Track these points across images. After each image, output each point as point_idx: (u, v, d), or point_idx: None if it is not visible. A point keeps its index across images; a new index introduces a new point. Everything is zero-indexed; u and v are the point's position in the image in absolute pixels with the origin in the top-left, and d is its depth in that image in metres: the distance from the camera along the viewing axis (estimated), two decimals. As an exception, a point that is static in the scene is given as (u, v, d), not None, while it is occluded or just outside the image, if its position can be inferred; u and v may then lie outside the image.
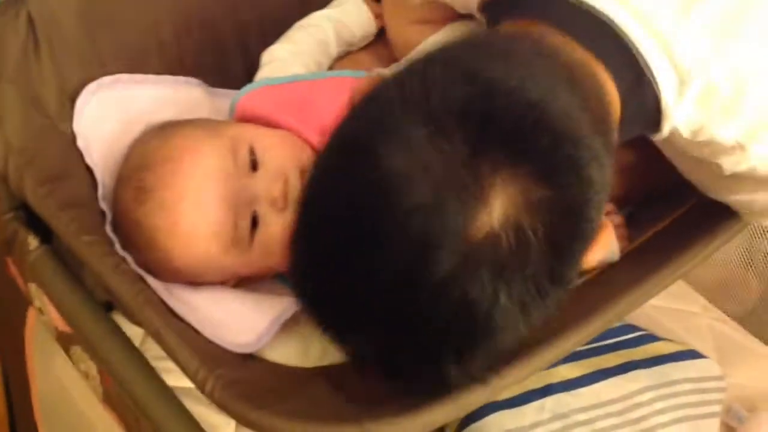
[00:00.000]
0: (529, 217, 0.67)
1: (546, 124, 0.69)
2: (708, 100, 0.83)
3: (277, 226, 0.94)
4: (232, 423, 1.04)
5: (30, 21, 1.00)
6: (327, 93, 1.03)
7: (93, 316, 0.93)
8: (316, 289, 0.74)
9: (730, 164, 0.87)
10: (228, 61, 1.20)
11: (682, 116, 0.84)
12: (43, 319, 1.04)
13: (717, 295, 1.41)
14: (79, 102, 1.03)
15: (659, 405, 1.15)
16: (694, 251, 0.93)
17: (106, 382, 0.95)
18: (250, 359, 0.92)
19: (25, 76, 1.00)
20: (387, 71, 0.78)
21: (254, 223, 0.94)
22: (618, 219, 1.03)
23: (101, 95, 1.05)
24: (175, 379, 0.88)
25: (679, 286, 1.38)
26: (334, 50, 1.18)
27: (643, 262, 0.96)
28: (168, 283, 0.93)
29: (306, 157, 0.97)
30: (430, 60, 0.75)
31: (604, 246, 0.77)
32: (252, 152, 0.96)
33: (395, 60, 1.15)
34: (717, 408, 1.18)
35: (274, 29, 1.16)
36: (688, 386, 1.17)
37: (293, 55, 1.12)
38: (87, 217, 0.95)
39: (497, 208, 0.66)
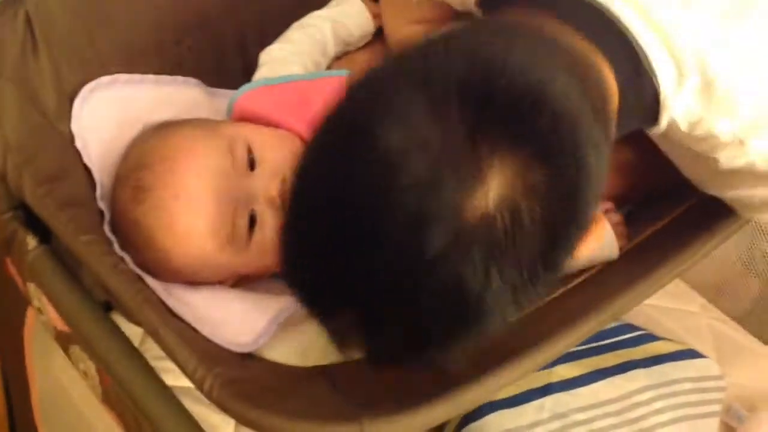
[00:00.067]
0: (526, 199, 0.66)
1: (546, 105, 0.68)
2: (707, 93, 0.83)
3: (275, 225, 0.94)
4: (232, 422, 1.04)
5: (28, 21, 1.00)
6: (325, 93, 1.03)
7: (92, 316, 0.93)
8: (307, 264, 0.73)
9: (727, 159, 0.87)
10: (226, 61, 1.20)
11: (680, 108, 0.84)
12: (42, 318, 1.04)
13: (716, 294, 1.41)
14: (78, 102, 1.03)
15: (658, 404, 1.15)
16: (693, 249, 0.94)
17: (105, 381, 0.95)
18: (248, 358, 0.92)
19: (23, 76, 1.00)
20: None
21: (252, 222, 0.94)
22: (617, 218, 1.03)
23: (99, 95, 1.05)
24: (174, 378, 0.88)
25: (679, 286, 1.38)
26: (332, 50, 1.18)
27: (641, 261, 0.96)
28: (166, 283, 0.93)
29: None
30: (432, 40, 0.74)
31: (598, 239, 0.77)
32: (250, 151, 0.96)
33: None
34: (716, 407, 1.19)
35: (273, 29, 1.16)
36: (687, 386, 1.17)
37: (291, 55, 1.12)
38: (85, 216, 0.95)
39: (494, 189, 0.65)
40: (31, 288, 1.00)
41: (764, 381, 1.29)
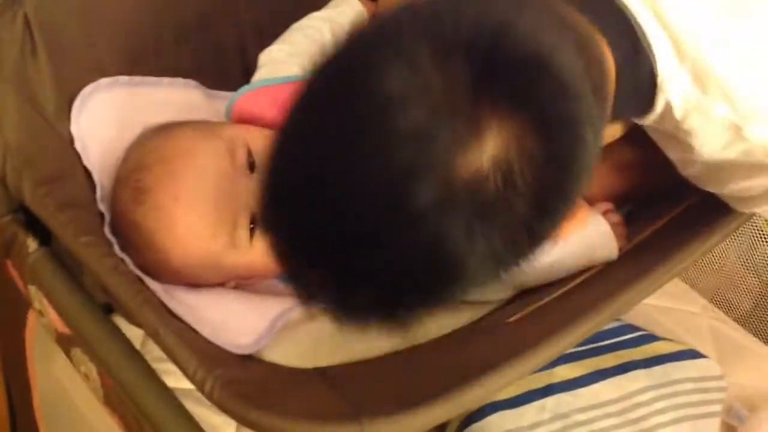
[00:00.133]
0: (520, 163, 0.66)
1: (551, 74, 0.68)
2: (703, 76, 0.83)
3: None
4: (233, 424, 1.04)
5: (27, 22, 1.00)
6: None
7: (93, 318, 0.93)
8: (288, 207, 0.72)
9: (721, 145, 0.87)
10: (225, 63, 1.20)
11: (677, 91, 0.84)
12: (43, 321, 1.04)
13: (717, 295, 1.41)
14: (77, 104, 1.03)
15: (659, 405, 1.15)
16: (692, 248, 0.94)
17: (107, 383, 0.95)
18: (249, 360, 0.92)
19: (22, 77, 1.00)
20: None
21: (253, 223, 0.94)
22: (617, 218, 1.03)
23: (99, 97, 1.05)
24: (176, 380, 0.88)
25: (679, 287, 1.39)
26: (331, 51, 1.18)
27: (641, 260, 0.96)
28: (167, 285, 0.93)
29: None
30: None
31: (580, 223, 0.77)
32: (249, 153, 0.96)
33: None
34: (717, 407, 1.19)
35: (271, 30, 1.15)
36: (688, 386, 1.17)
37: (290, 56, 1.12)
38: (85, 218, 0.95)
39: (490, 148, 0.65)
40: (32, 290, 1.00)
41: (765, 381, 1.29)
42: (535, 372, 1.04)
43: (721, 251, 1.43)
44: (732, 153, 0.87)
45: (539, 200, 0.68)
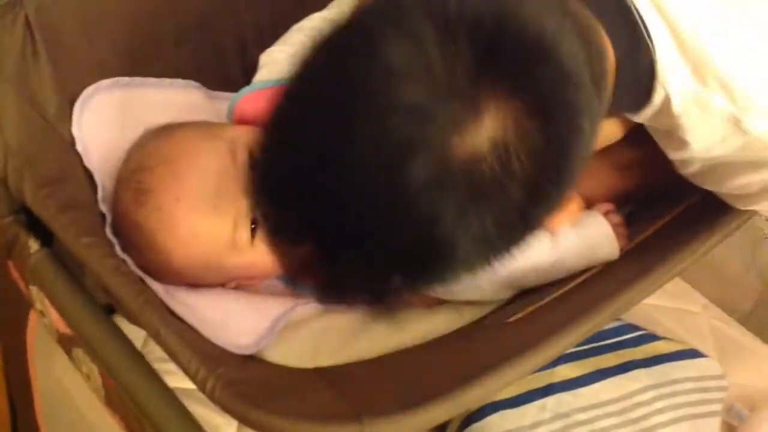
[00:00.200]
0: (517, 146, 0.66)
1: (553, 60, 0.68)
2: (703, 66, 0.83)
3: None
4: (234, 424, 1.04)
5: (27, 24, 1.01)
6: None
7: (94, 319, 0.93)
8: (283, 177, 0.71)
9: (719, 139, 0.86)
10: (225, 63, 1.20)
11: (676, 83, 0.84)
12: (44, 321, 1.04)
13: (718, 294, 1.41)
14: (78, 105, 1.04)
15: (660, 404, 1.15)
16: (693, 247, 0.94)
17: (108, 384, 0.95)
18: (250, 360, 0.92)
19: (23, 79, 1.01)
20: None
21: (254, 224, 0.94)
22: (617, 218, 1.03)
23: (100, 98, 1.05)
24: (177, 380, 0.88)
25: (680, 286, 1.39)
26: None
27: (642, 260, 0.96)
28: (168, 285, 0.93)
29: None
30: None
31: (571, 215, 0.76)
32: (251, 154, 0.96)
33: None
34: (718, 407, 1.19)
35: (272, 31, 1.15)
36: (688, 385, 1.17)
37: (291, 57, 1.12)
38: (87, 219, 0.95)
39: (488, 129, 0.65)
40: (34, 291, 1.00)
41: (765, 381, 1.29)
42: (536, 371, 1.05)
43: (723, 251, 1.42)
44: (729, 148, 0.87)
45: (534, 185, 0.68)
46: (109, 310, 1.00)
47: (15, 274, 1.05)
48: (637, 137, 0.91)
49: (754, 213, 0.97)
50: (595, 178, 1.05)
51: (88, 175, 1.01)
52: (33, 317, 1.13)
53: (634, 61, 0.83)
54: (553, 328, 0.83)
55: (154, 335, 0.85)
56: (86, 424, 1.12)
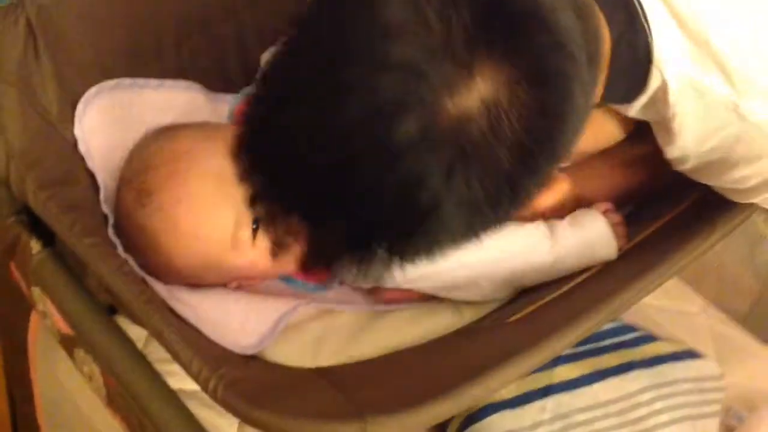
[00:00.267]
0: (509, 111, 0.66)
1: (550, 29, 0.68)
2: (703, 44, 0.83)
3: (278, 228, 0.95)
4: (234, 425, 1.04)
5: (29, 26, 1.01)
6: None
7: (96, 319, 0.93)
8: (272, 129, 0.72)
9: (714, 127, 0.86)
10: (227, 64, 1.20)
11: (673, 66, 0.84)
12: (46, 322, 1.04)
13: (716, 295, 1.42)
14: (80, 106, 1.04)
15: (659, 405, 1.15)
16: (693, 245, 0.94)
17: (110, 384, 0.95)
18: (251, 360, 0.93)
19: (25, 80, 1.01)
20: None
21: (256, 223, 0.95)
22: (617, 217, 1.03)
23: (102, 99, 1.05)
24: (178, 381, 0.89)
25: (679, 287, 1.39)
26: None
27: (641, 259, 0.96)
28: (170, 286, 0.94)
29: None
30: None
31: (556, 194, 0.76)
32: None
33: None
34: (716, 408, 1.19)
35: (273, 32, 1.16)
36: (687, 386, 1.18)
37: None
38: (89, 219, 0.95)
39: (480, 91, 0.65)
40: (36, 292, 1.01)
41: (764, 381, 1.29)
42: (536, 372, 1.06)
43: (722, 252, 1.43)
44: (724, 138, 0.87)
45: (523, 152, 0.68)
46: (111, 310, 1.00)
47: (17, 276, 1.05)
48: (638, 137, 0.91)
49: (753, 212, 0.97)
50: (596, 177, 1.06)
51: (90, 176, 1.01)
52: (34, 318, 1.13)
53: (630, 44, 0.83)
54: (553, 327, 0.83)
55: (157, 335, 0.85)
56: (87, 426, 1.12)
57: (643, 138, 0.93)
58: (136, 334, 0.95)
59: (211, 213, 0.93)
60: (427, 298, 1.02)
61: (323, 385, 0.89)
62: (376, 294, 1.02)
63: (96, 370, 0.96)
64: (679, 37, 0.84)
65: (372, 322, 1.01)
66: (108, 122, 1.05)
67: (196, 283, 0.97)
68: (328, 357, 0.96)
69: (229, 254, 0.94)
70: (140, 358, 0.91)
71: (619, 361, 1.17)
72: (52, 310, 0.99)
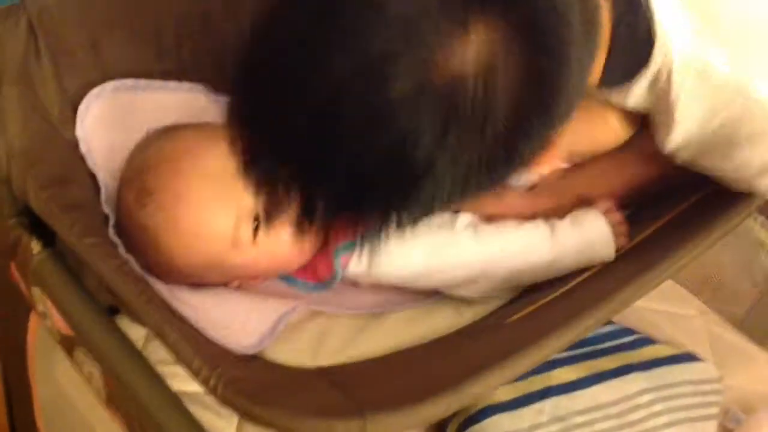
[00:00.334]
0: (504, 69, 0.66)
1: None
2: (709, 26, 0.83)
3: (280, 228, 0.95)
4: (233, 427, 1.04)
5: (30, 27, 1.01)
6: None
7: (96, 320, 0.93)
8: (263, 84, 0.71)
9: (715, 108, 0.86)
10: (228, 64, 1.20)
11: (678, 44, 0.84)
12: (46, 323, 1.04)
13: (714, 298, 1.42)
14: (82, 107, 1.04)
15: (657, 407, 1.15)
16: (692, 245, 0.94)
17: (110, 384, 0.95)
18: (252, 359, 0.93)
19: (26, 81, 1.01)
20: None
21: (257, 222, 0.95)
22: (618, 217, 1.03)
23: (104, 100, 1.06)
24: (176, 383, 0.89)
25: (676, 290, 1.39)
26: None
27: (641, 259, 0.97)
28: (171, 285, 0.94)
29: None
30: None
31: (550, 163, 0.75)
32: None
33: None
34: (715, 410, 1.19)
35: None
36: (686, 388, 1.18)
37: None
38: (90, 219, 0.95)
39: (475, 49, 0.65)
40: (36, 292, 1.01)
41: (761, 384, 1.29)
42: (534, 374, 1.06)
43: (719, 254, 1.43)
44: (726, 118, 0.86)
45: (518, 114, 0.68)
46: (111, 311, 1.00)
47: (17, 276, 1.05)
48: (641, 137, 0.92)
49: (752, 211, 0.97)
50: (600, 177, 1.06)
51: (91, 176, 1.02)
52: (34, 319, 1.13)
53: (631, 23, 0.83)
54: (553, 325, 0.84)
55: (158, 332, 0.85)
56: (86, 427, 1.12)
57: (647, 138, 0.93)
58: (134, 335, 0.95)
59: (211, 212, 0.93)
60: (429, 296, 1.03)
61: (323, 383, 0.89)
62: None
63: (96, 371, 0.96)
64: (683, 14, 0.83)
65: (372, 322, 1.01)
66: (109, 123, 1.05)
67: (197, 282, 0.97)
68: (327, 357, 0.96)
69: (230, 253, 0.95)
70: (140, 359, 0.91)
71: (617, 364, 1.17)
72: (52, 310, 0.98)
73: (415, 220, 0.73)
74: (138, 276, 0.91)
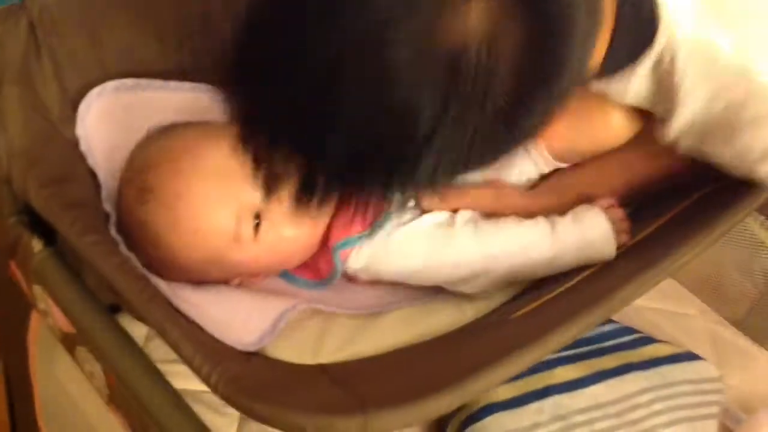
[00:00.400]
0: (505, 39, 0.65)
1: None
2: (716, 7, 0.82)
3: (280, 224, 0.95)
4: (234, 425, 1.04)
5: (31, 26, 1.01)
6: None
7: (98, 317, 0.93)
8: (261, 54, 0.70)
9: (721, 88, 0.86)
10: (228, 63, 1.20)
11: (682, 25, 0.83)
12: (47, 321, 1.04)
13: (714, 298, 1.42)
14: (83, 106, 1.05)
15: (658, 406, 1.15)
16: (694, 242, 0.93)
17: (112, 382, 0.95)
18: (253, 356, 0.93)
19: (27, 80, 1.01)
20: None
21: (257, 219, 0.95)
22: (620, 213, 1.03)
23: (105, 99, 1.06)
24: (177, 382, 0.89)
25: (676, 289, 1.39)
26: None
27: (643, 257, 0.96)
28: (172, 283, 0.94)
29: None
30: None
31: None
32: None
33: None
34: (715, 409, 1.19)
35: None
36: (686, 388, 1.18)
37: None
38: (91, 217, 0.95)
39: (476, 15, 0.64)
40: (37, 291, 1.01)
41: (761, 384, 1.29)
42: (534, 373, 1.06)
43: (720, 254, 1.43)
44: (729, 101, 0.86)
45: (519, 85, 0.67)
46: (112, 309, 1.00)
47: (17, 275, 1.05)
48: (644, 135, 0.91)
49: (753, 209, 0.97)
50: (602, 174, 1.06)
51: (92, 174, 1.02)
52: (35, 318, 1.13)
53: (636, 3, 0.82)
54: (554, 322, 0.84)
55: (159, 329, 0.85)
56: (87, 425, 1.12)
57: (648, 137, 0.93)
58: (135, 334, 0.95)
59: (212, 208, 0.93)
60: (431, 294, 1.03)
61: (324, 380, 0.90)
62: None
63: (98, 369, 0.96)
64: None
65: (372, 320, 1.01)
66: (110, 122, 1.05)
67: (198, 279, 0.97)
68: (328, 355, 0.96)
69: (231, 250, 0.95)
70: (142, 356, 0.91)
71: (617, 363, 1.17)
72: (53, 308, 0.99)
73: (413, 189, 0.73)
74: (139, 274, 0.91)
